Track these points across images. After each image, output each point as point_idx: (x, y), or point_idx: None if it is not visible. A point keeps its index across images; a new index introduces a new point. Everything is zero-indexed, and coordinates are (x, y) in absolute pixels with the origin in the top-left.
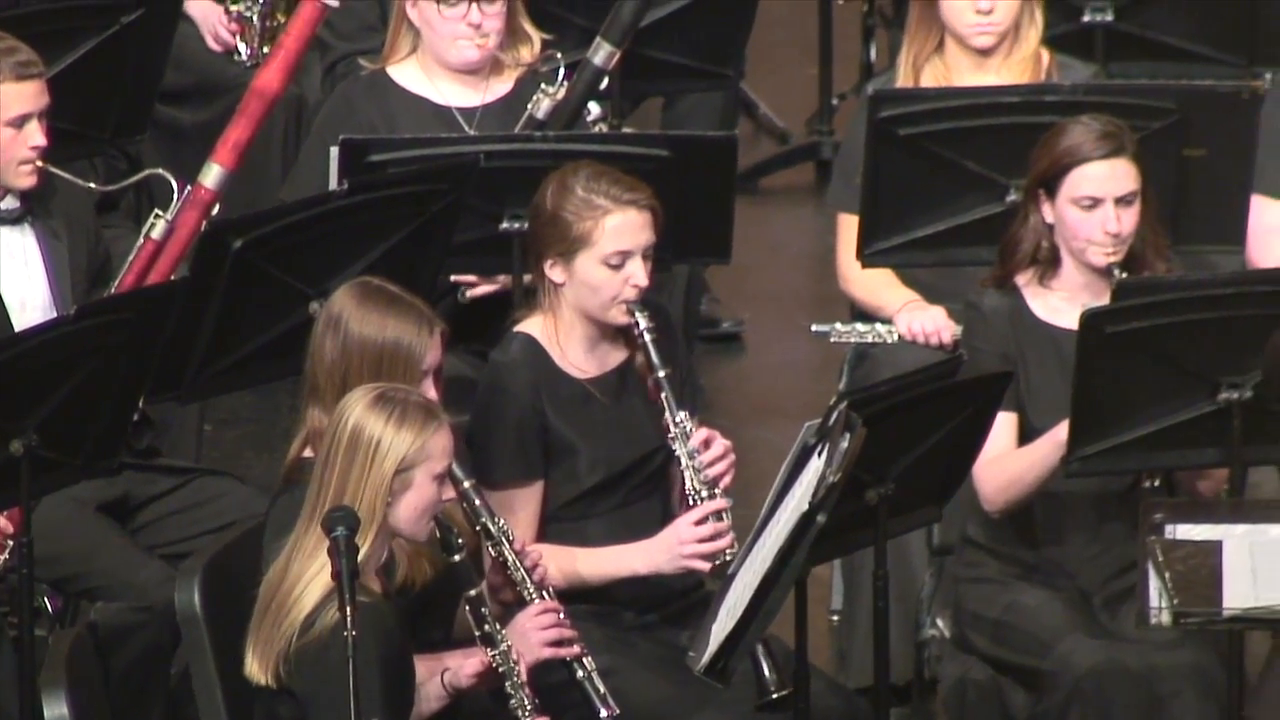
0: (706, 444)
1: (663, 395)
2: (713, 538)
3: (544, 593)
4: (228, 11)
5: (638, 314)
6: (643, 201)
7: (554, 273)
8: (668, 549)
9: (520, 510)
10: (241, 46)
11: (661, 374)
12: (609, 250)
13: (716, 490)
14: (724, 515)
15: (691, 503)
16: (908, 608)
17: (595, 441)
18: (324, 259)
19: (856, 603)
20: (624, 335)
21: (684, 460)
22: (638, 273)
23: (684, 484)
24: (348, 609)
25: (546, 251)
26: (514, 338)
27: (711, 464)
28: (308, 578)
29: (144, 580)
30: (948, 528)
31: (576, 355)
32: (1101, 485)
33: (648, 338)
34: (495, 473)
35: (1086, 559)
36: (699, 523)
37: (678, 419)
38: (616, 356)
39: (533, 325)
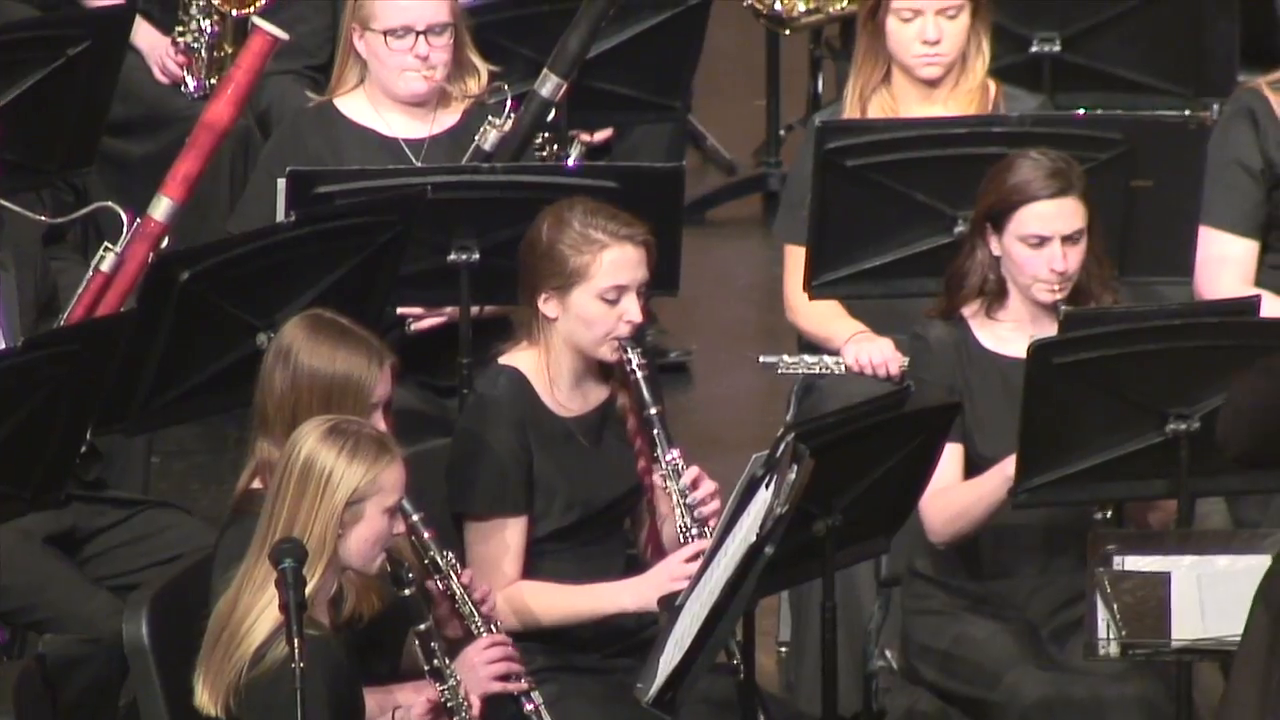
0: (695, 483)
1: (654, 433)
2: None
3: (491, 626)
4: (174, 43)
5: (629, 350)
6: (639, 237)
7: (547, 307)
8: (658, 585)
9: (504, 542)
10: (188, 79)
11: (653, 411)
12: (606, 285)
13: (706, 529)
14: None
15: (683, 540)
16: (855, 639)
17: (574, 482)
18: (271, 291)
19: (804, 634)
20: (606, 374)
21: (675, 498)
22: (632, 309)
23: (654, 524)
24: (295, 641)
25: (541, 285)
26: (501, 371)
27: (703, 503)
28: (258, 610)
29: (92, 612)
30: (895, 559)
31: (562, 392)
32: (1049, 517)
33: (639, 374)
34: (479, 504)
35: (1034, 590)
36: (690, 560)
37: (669, 457)
38: (599, 395)
39: (520, 359)
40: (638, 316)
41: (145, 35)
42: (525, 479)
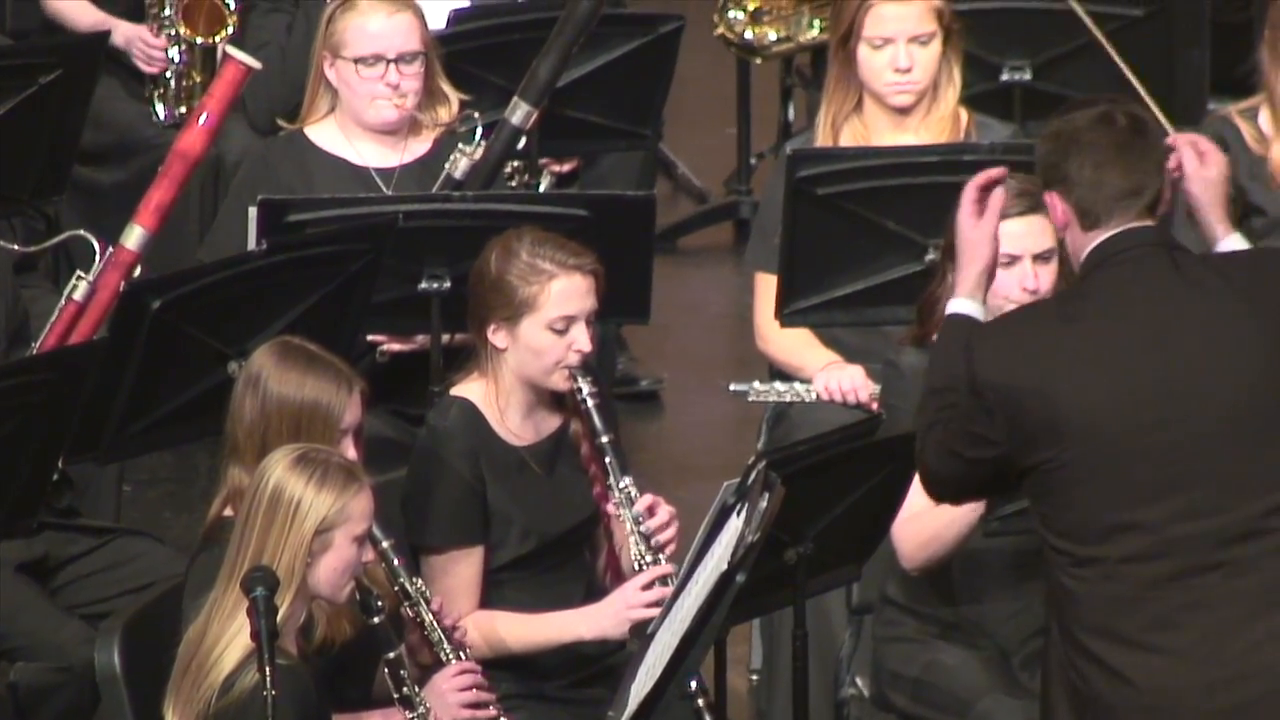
0: (651, 510)
1: (606, 461)
2: (659, 603)
3: (461, 653)
4: (151, 29)
5: (580, 379)
6: (587, 266)
7: (496, 337)
8: (614, 614)
9: (460, 574)
10: (159, 107)
11: (605, 439)
12: (554, 315)
13: (662, 556)
14: (669, 580)
15: (637, 568)
16: (827, 667)
17: (529, 511)
18: (243, 319)
19: (776, 662)
20: (559, 402)
21: (629, 526)
22: (581, 338)
23: (612, 549)
24: (267, 669)
25: (490, 316)
26: (452, 402)
27: (658, 530)
28: (227, 638)
29: (64, 640)
30: (867, 587)
31: (514, 421)
32: (1018, 543)
33: (590, 403)
34: (434, 537)
35: (1005, 618)
36: (646, 587)
37: (621, 485)
38: (551, 423)
39: (471, 390)
40: (587, 346)
41: (122, 31)
42: (480, 509)
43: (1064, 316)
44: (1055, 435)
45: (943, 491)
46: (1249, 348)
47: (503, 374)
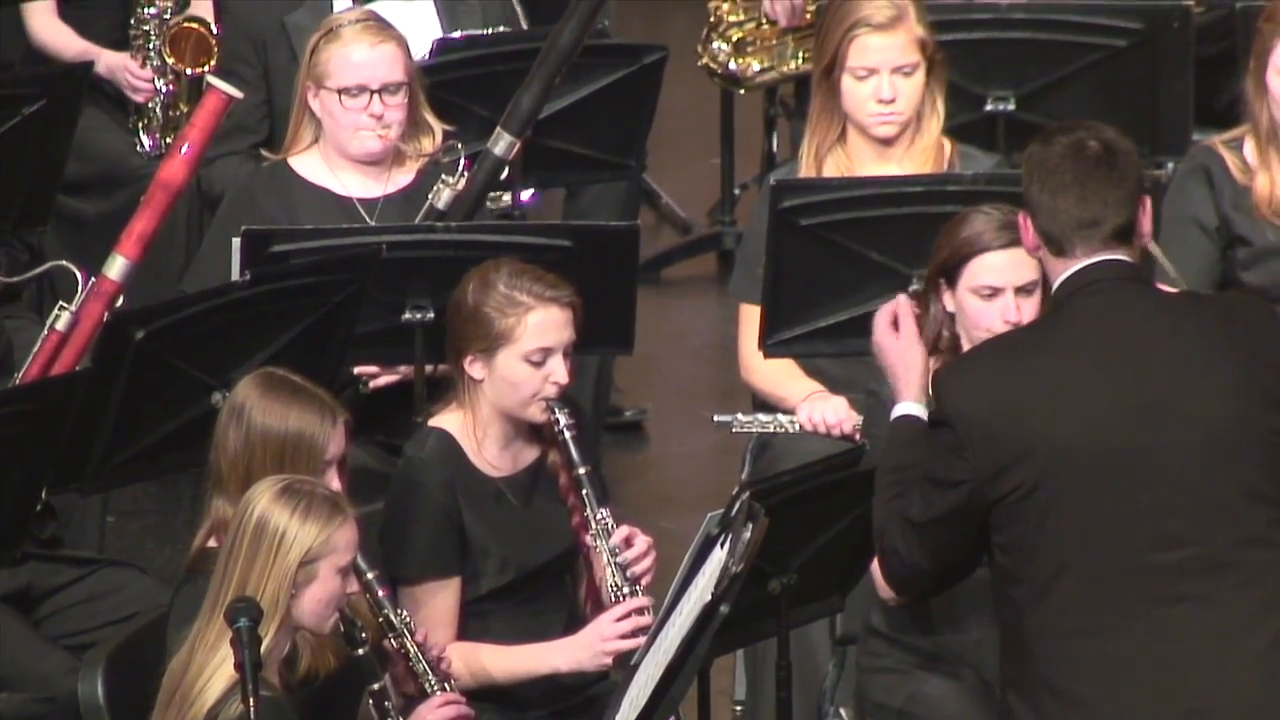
0: (628, 541)
1: (583, 492)
2: (635, 634)
3: (446, 684)
4: (133, 56)
5: (557, 411)
6: (564, 299)
7: (474, 369)
8: (589, 646)
9: (438, 605)
10: (144, 137)
11: (582, 471)
12: (531, 347)
13: (638, 588)
14: (646, 612)
15: (614, 599)
16: (811, 698)
17: (506, 542)
18: (226, 350)
19: (760, 693)
20: (537, 433)
21: (606, 557)
22: (558, 370)
23: (592, 579)
24: (250, 701)
25: (467, 347)
26: (430, 433)
27: (635, 561)
28: (210, 669)
29: (47, 671)
30: (851, 617)
31: (492, 452)
32: None
33: (567, 435)
34: (410, 568)
35: (988, 648)
36: (622, 619)
37: (598, 516)
38: (529, 455)
39: (449, 421)
40: (564, 378)
41: (105, 61)
42: (456, 540)
43: (1035, 344)
44: (1027, 460)
45: (913, 576)
46: (1221, 377)
47: (480, 405)
